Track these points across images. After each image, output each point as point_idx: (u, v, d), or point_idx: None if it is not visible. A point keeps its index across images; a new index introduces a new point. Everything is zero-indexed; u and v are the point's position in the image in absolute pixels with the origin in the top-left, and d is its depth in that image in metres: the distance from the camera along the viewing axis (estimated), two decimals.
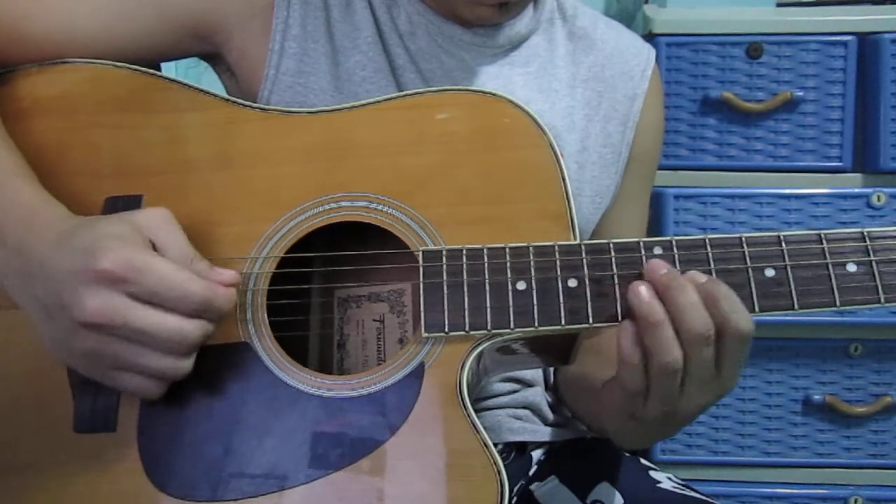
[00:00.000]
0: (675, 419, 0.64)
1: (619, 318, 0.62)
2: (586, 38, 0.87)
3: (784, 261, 0.63)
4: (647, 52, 0.90)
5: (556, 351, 0.70)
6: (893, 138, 1.22)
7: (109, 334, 0.58)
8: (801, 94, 1.23)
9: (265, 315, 0.67)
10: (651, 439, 0.77)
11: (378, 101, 0.72)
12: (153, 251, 0.60)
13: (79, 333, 0.59)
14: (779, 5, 1.33)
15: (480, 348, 0.64)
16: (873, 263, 0.62)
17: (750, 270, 0.63)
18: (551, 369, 0.90)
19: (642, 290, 0.60)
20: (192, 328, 0.60)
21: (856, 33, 1.23)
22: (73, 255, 0.59)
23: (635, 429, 0.67)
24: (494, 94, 0.71)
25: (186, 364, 0.61)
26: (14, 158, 0.68)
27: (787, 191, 1.24)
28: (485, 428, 0.63)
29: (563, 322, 0.63)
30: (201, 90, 0.74)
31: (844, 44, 1.23)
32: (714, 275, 0.63)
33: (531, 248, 0.65)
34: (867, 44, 1.23)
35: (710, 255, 0.63)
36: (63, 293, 0.58)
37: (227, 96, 0.74)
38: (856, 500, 1.28)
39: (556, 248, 0.65)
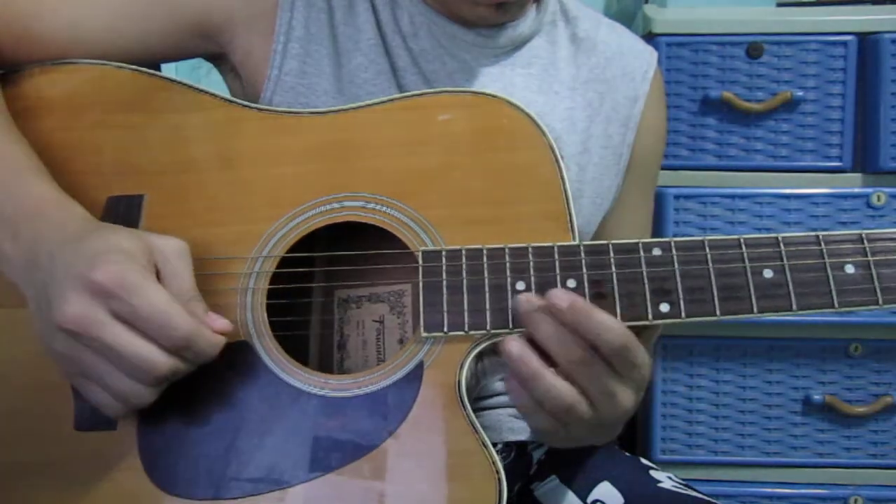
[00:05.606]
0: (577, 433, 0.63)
1: (618, 319, 0.62)
2: (588, 41, 0.87)
3: (782, 262, 0.63)
4: (649, 55, 0.90)
5: None
6: (893, 138, 1.22)
7: (82, 343, 0.58)
8: (801, 94, 1.23)
9: (265, 315, 0.67)
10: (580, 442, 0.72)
11: (379, 103, 0.72)
12: (153, 277, 0.60)
13: (56, 335, 0.59)
14: (779, 5, 1.33)
15: (479, 348, 0.64)
16: (871, 265, 0.62)
17: (748, 272, 0.63)
18: None
19: (513, 345, 0.60)
20: (163, 361, 0.58)
21: (856, 33, 1.23)
22: (76, 257, 0.59)
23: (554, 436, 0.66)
24: (495, 96, 0.71)
25: (149, 394, 0.60)
26: (28, 154, 0.68)
27: (787, 191, 1.24)
28: (485, 427, 0.63)
29: None
30: (203, 91, 0.74)
31: (844, 44, 1.23)
32: (713, 276, 0.63)
33: (531, 249, 0.65)
34: (867, 44, 1.23)
35: (708, 256, 0.63)
36: (52, 291, 0.59)
37: (228, 97, 0.74)
38: (856, 500, 1.28)
39: (556, 248, 0.65)
